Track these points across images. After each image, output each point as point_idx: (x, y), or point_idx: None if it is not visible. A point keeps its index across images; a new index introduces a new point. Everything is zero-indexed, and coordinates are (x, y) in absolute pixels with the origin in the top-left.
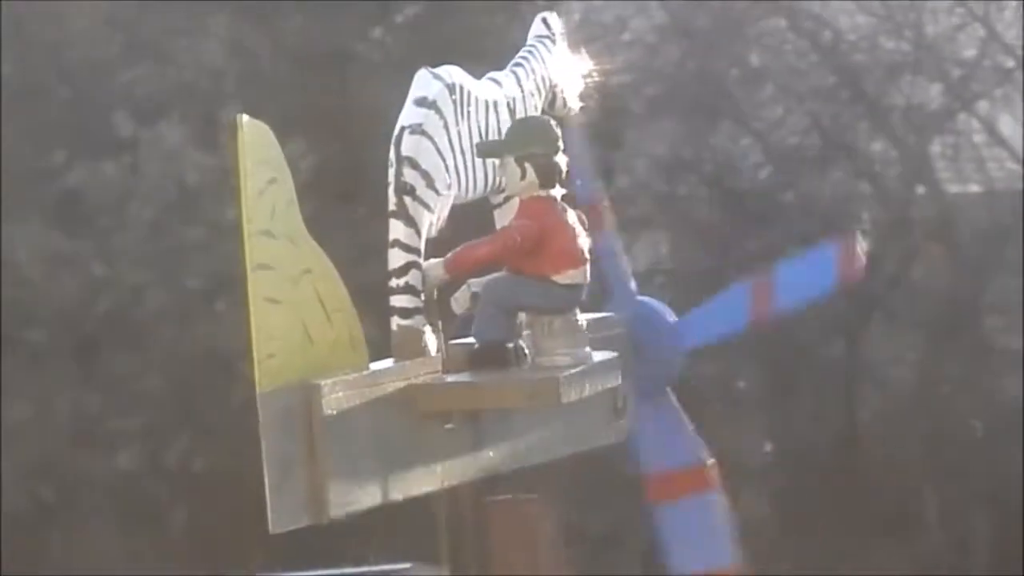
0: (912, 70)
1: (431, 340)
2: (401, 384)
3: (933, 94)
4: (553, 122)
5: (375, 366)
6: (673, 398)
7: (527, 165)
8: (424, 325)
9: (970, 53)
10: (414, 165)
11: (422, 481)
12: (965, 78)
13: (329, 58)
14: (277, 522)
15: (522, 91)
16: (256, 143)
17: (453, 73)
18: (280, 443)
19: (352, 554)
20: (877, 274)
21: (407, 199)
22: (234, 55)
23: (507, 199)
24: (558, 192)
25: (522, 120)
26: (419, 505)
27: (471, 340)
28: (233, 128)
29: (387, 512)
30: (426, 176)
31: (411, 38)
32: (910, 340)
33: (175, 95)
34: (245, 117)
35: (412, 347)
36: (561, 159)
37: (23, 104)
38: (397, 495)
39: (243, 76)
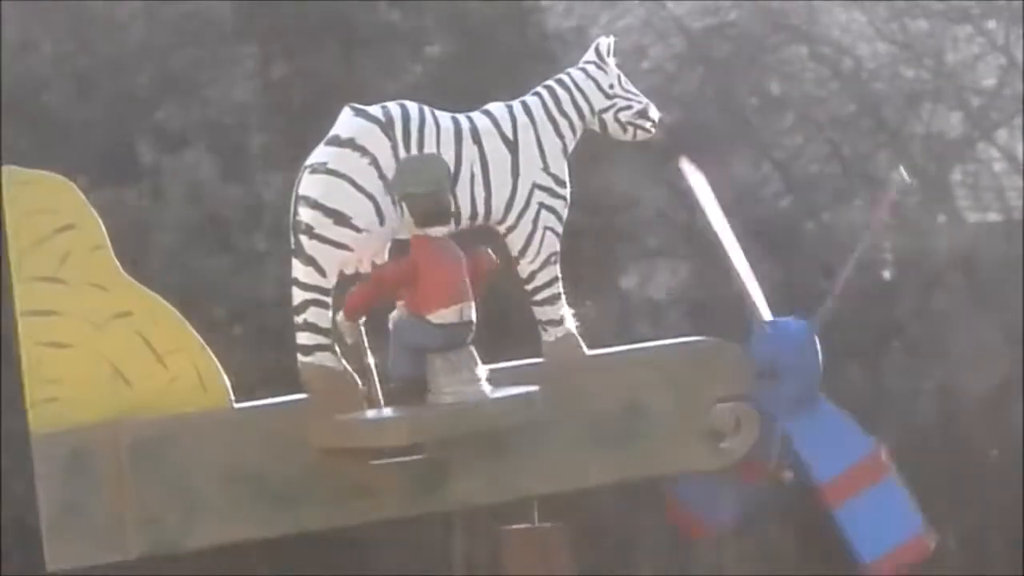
0: (932, 99)
1: (354, 375)
2: (282, 421)
3: (953, 123)
4: (438, 160)
5: (263, 403)
6: (826, 401)
7: (403, 204)
8: (329, 362)
9: (990, 82)
10: (313, 204)
11: (314, 516)
12: (985, 107)
13: (360, 91)
14: (55, 559)
15: (532, 119)
16: (35, 194)
17: (395, 108)
18: (63, 483)
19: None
20: (896, 303)
21: (303, 238)
22: (264, 89)
23: (510, 229)
24: (439, 231)
25: (404, 159)
26: (436, 530)
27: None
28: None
29: (402, 533)
30: (335, 214)
31: (444, 72)
32: (930, 369)
33: (202, 127)
34: (11, 169)
35: (317, 383)
36: (443, 198)
37: (43, 123)
38: (265, 532)
39: (272, 109)
